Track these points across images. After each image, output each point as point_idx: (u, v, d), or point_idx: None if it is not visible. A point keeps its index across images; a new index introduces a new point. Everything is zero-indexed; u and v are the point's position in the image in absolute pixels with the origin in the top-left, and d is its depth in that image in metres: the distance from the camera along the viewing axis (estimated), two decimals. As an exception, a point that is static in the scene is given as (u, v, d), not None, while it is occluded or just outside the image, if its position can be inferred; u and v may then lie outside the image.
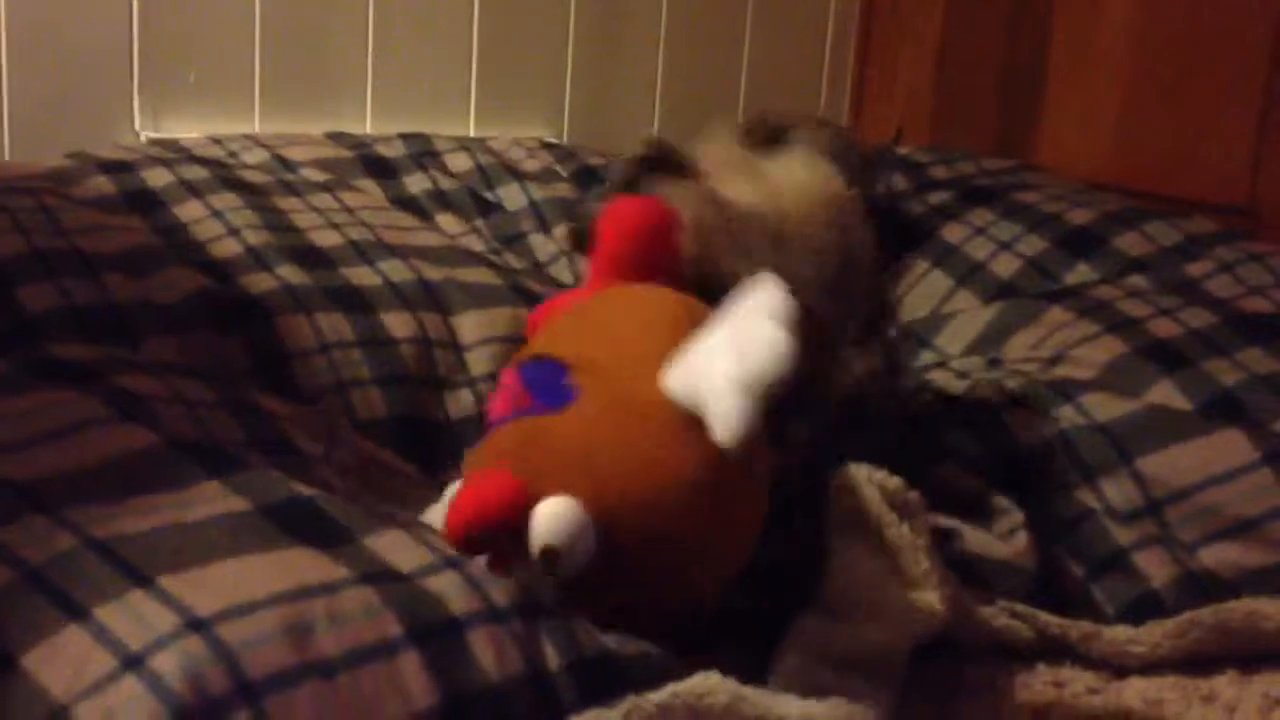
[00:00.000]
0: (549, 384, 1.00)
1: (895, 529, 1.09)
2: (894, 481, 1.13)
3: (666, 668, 0.90)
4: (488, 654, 0.83)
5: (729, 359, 0.93)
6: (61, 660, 0.76)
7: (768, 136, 1.75)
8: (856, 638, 1.01)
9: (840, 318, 1.17)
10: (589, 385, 0.99)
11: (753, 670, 0.97)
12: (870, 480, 1.12)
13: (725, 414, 0.92)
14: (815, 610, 1.04)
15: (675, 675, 0.88)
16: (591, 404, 0.98)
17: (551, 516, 0.93)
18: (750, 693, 0.88)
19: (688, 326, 0.99)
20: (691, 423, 0.95)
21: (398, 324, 1.36)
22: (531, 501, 0.94)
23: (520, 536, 0.94)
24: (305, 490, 0.94)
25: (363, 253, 1.47)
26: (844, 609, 1.04)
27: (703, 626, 1.02)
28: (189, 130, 1.86)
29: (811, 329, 1.06)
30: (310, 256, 1.44)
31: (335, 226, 1.51)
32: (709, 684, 0.87)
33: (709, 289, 1.09)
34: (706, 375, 0.94)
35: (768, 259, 1.16)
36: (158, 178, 1.55)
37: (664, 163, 1.22)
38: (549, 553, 0.93)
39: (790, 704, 0.89)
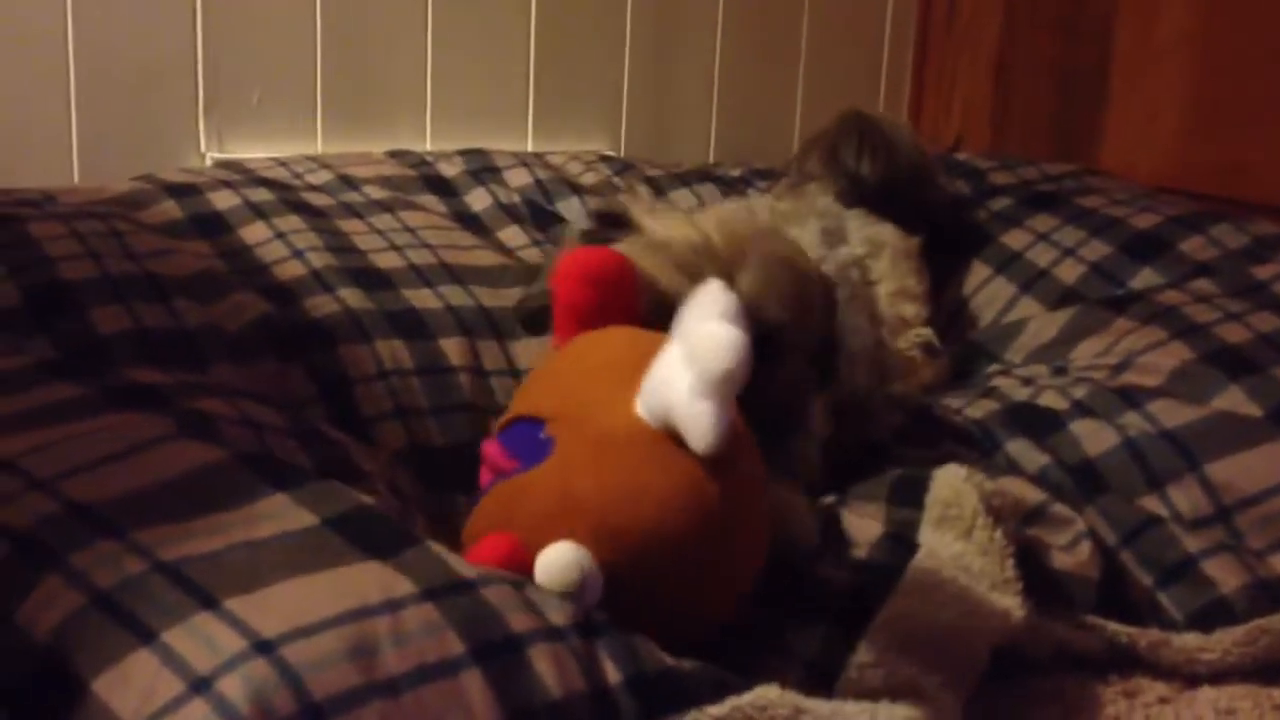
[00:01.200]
0: (527, 443, 1.01)
1: (988, 531, 1.09)
2: (990, 484, 1.13)
3: (724, 682, 0.90)
4: (549, 671, 0.84)
5: (685, 369, 0.93)
6: (131, 684, 0.77)
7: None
8: (936, 622, 1.01)
9: (800, 325, 1.19)
10: (564, 433, 1.00)
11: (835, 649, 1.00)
12: (969, 478, 1.12)
13: (695, 422, 0.93)
14: (897, 594, 1.05)
15: (734, 689, 0.89)
16: (569, 450, 0.99)
17: (554, 562, 0.94)
18: (811, 705, 0.89)
19: (650, 358, 0.99)
20: (670, 442, 0.96)
21: (455, 351, 1.37)
22: (529, 557, 0.94)
23: None
24: (369, 499, 0.95)
25: (423, 275, 1.48)
26: (924, 594, 1.05)
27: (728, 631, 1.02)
28: (253, 151, 1.89)
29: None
30: (372, 279, 1.45)
31: (396, 249, 1.52)
32: (769, 697, 0.88)
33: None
34: (670, 391, 0.94)
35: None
36: (223, 200, 1.57)
37: (614, 222, 1.24)
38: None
39: (850, 709, 0.90)
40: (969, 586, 1.06)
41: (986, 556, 1.09)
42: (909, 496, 1.18)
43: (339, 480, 1.00)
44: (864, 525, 1.17)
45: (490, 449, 1.05)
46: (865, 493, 1.22)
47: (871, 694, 0.95)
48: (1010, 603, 1.06)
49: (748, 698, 0.87)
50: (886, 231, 1.62)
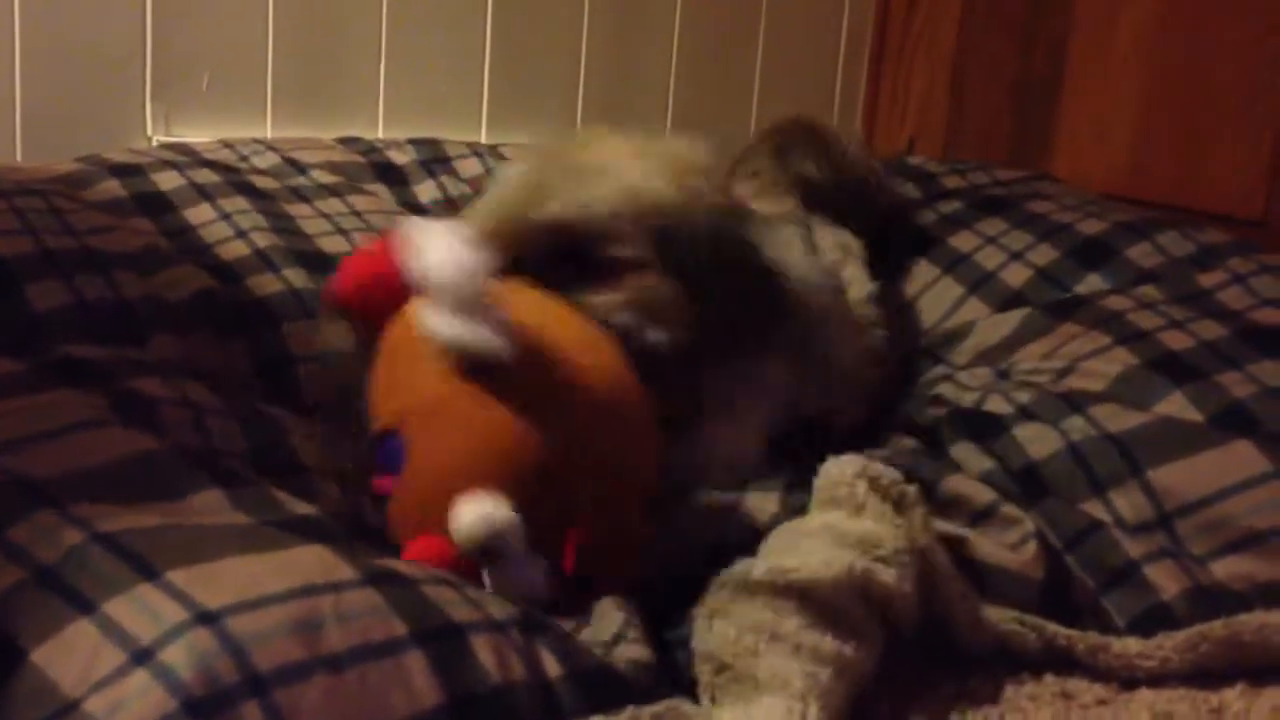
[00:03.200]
0: (392, 455, 1.06)
1: (876, 508, 1.08)
2: (889, 475, 1.12)
3: (655, 683, 0.93)
4: (490, 658, 0.85)
5: (438, 311, 1.02)
6: (71, 655, 0.76)
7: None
8: (782, 567, 1.00)
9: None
10: (409, 430, 1.06)
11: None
12: (863, 473, 1.11)
13: (472, 343, 1.01)
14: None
15: (663, 691, 0.92)
16: (418, 441, 1.05)
17: (462, 523, 0.98)
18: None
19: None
20: (492, 380, 1.04)
21: None
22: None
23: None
24: (305, 510, 0.96)
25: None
26: (777, 545, 1.07)
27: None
28: (201, 135, 1.87)
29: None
30: (316, 262, 1.45)
31: (343, 232, 1.52)
32: (685, 707, 0.92)
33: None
34: (441, 336, 1.02)
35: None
36: (167, 181, 1.56)
37: None
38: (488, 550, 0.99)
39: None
40: (830, 547, 1.05)
41: (878, 528, 1.07)
42: (806, 486, 1.17)
43: (278, 471, 1.03)
44: (756, 515, 1.19)
45: (379, 485, 1.08)
46: (764, 485, 1.23)
47: (726, 648, 0.96)
48: (885, 570, 1.04)
49: (671, 701, 0.91)
50: (847, 236, 1.62)
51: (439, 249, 1.02)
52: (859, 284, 1.58)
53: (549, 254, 1.23)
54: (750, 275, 1.30)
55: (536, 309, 1.13)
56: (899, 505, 1.10)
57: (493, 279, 1.04)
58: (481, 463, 1.02)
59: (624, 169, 1.26)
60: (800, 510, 1.15)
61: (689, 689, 0.97)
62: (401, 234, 1.07)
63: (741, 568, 1.00)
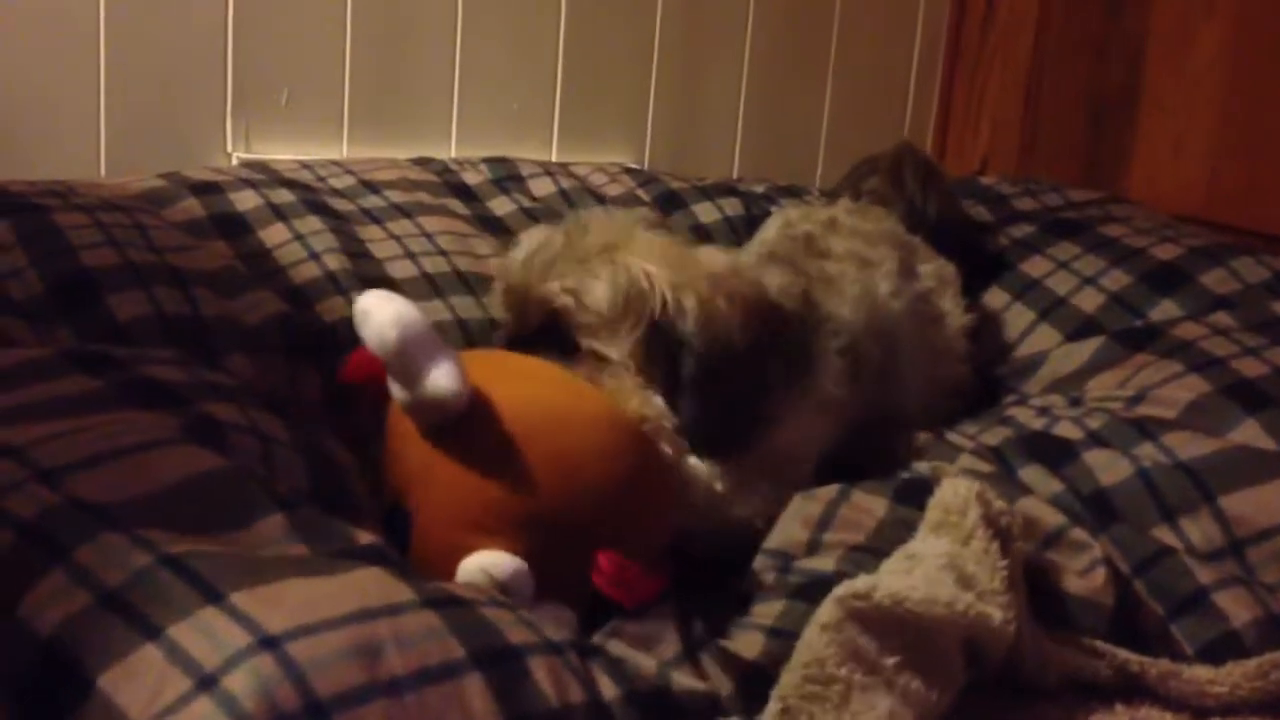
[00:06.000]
0: (401, 527, 1.08)
1: (984, 542, 1.08)
2: (1000, 503, 1.12)
3: (713, 702, 0.93)
4: (547, 680, 0.85)
5: (392, 373, 1.05)
6: (138, 681, 0.77)
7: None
8: (902, 599, 1.00)
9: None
10: (413, 498, 1.08)
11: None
12: (980, 497, 1.12)
13: (431, 397, 1.03)
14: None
15: (722, 710, 0.92)
16: (424, 506, 1.07)
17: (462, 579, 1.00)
18: None
19: None
20: (455, 430, 1.05)
21: None
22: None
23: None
24: (366, 538, 0.96)
25: (435, 286, 1.49)
26: (898, 572, 1.06)
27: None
28: (279, 152, 1.90)
29: None
30: (383, 287, 1.45)
31: (411, 256, 1.53)
32: None
33: None
34: (401, 397, 1.05)
35: None
36: (245, 201, 1.58)
37: None
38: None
39: None
40: (944, 579, 1.05)
41: (979, 566, 1.08)
42: (913, 497, 1.18)
43: (334, 509, 1.03)
44: (861, 518, 1.19)
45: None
46: (871, 488, 1.23)
47: (826, 664, 0.96)
48: (990, 610, 1.05)
49: None
50: (948, 268, 1.63)
51: (375, 316, 1.02)
52: (955, 316, 1.58)
53: (541, 328, 1.25)
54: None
55: (511, 366, 1.15)
56: (1005, 538, 1.10)
57: (437, 337, 1.05)
58: (474, 516, 1.03)
59: (633, 267, 1.25)
60: (906, 522, 1.15)
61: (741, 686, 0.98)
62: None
63: (864, 584, 1.00)
